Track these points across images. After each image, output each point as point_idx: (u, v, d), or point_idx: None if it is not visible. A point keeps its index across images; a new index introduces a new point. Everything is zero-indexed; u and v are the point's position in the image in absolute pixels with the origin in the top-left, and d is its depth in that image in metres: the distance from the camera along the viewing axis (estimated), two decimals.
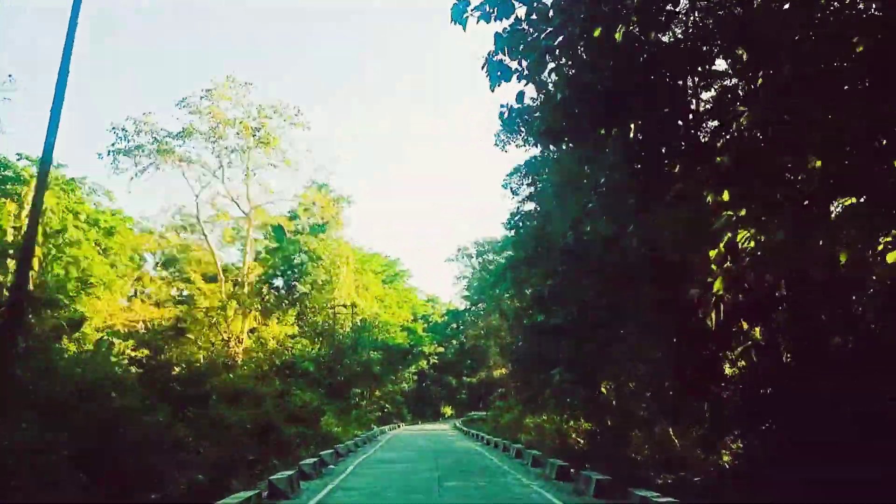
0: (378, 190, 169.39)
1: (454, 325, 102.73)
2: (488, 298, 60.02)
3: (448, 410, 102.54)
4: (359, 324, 57.32)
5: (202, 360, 29.49)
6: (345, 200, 54.89)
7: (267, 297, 42.48)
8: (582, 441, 22.48)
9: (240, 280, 40.29)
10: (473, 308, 78.47)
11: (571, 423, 26.92)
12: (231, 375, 26.43)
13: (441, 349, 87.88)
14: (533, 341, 25.06)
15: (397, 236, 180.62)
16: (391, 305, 68.47)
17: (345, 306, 51.02)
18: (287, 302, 52.74)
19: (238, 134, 39.27)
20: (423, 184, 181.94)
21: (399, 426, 64.47)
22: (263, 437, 18.77)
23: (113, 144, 37.84)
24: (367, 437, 35.39)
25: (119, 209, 39.00)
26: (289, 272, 51.03)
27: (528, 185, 26.87)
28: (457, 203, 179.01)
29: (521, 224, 27.61)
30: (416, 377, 78.85)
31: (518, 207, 27.61)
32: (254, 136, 39.55)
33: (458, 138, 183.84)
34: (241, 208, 43.09)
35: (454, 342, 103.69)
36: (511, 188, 27.68)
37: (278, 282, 53.56)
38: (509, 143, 24.81)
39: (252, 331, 39.08)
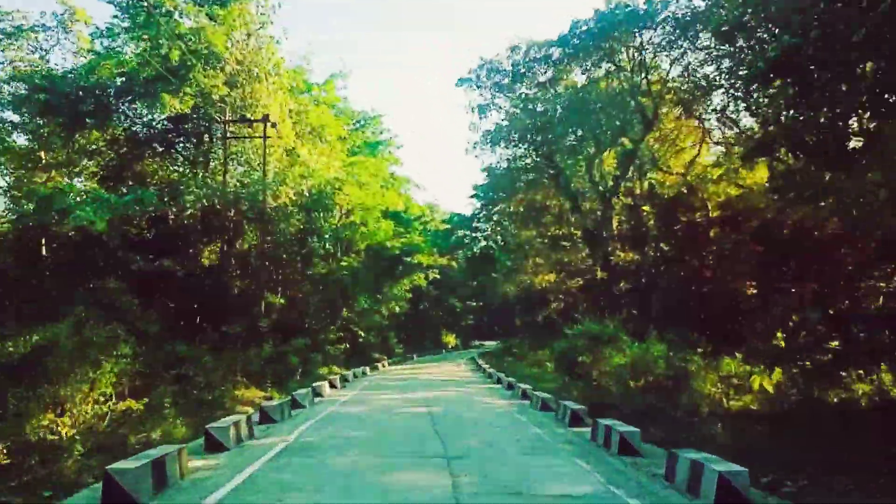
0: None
1: (459, 233, 79.56)
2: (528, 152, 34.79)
3: (451, 339, 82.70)
4: (306, 193, 32.73)
5: None
6: None
7: None
8: None
9: None
10: (490, 203, 53.54)
11: None
12: None
13: (443, 261, 64.90)
14: None
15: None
16: (369, 182, 43.50)
17: (249, 121, 25.88)
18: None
19: None
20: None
21: (381, 366, 41.09)
22: None
23: None
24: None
25: None
26: (157, 82, 25.81)
27: None
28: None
29: None
30: (409, 294, 55.50)
31: None
32: None
33: None
34: None
35: (460, 255, 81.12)
36: None
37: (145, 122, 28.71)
38: None
39: None
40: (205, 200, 28.27)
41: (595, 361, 18.83)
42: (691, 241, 30.98)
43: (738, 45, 16.32)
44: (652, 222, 30.97)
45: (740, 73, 16.95)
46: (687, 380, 14.07)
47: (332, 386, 24.18)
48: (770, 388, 12.80)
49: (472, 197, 66.00)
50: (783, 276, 17.02)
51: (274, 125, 25.28)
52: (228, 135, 26.04)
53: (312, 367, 26.61)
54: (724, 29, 14.91)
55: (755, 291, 20.57)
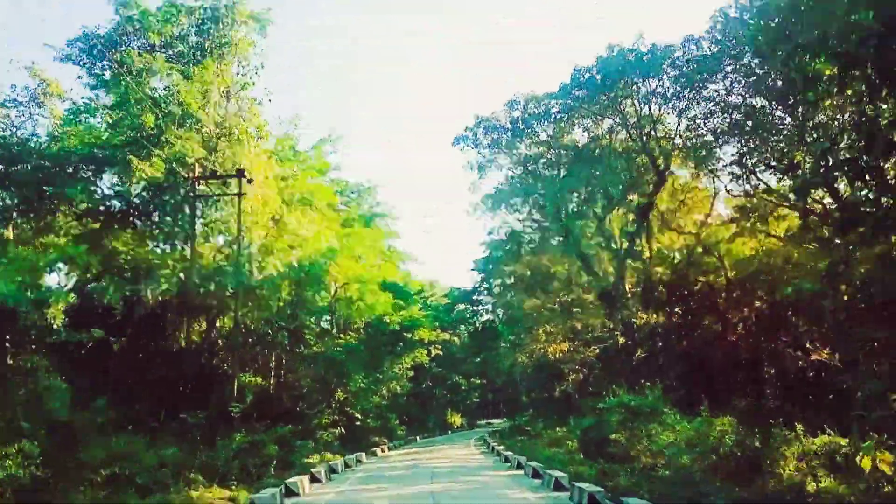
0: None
1: (461, 307, 76.97)
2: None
3: (457, 419, 78.75)
4: (296, 265, 30.23)
5: None
6: (255, 19, 28.18)
7: None
8: None
9: None
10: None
11: None
12: None
13: (445, 336, 61.56)
14: None
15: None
16: (365, 254, 41.13)
17: (222, 177, 23.43)
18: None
19: None
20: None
21: (380, 451, 37.07)
22: None
23: None
24: None
25: None
26: (126, 147, 23.75)
27: None
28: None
29: None
30: (410, 372, 52.07)
31: None
32: None
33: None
34: None
35: (462, 329, 78.21)
36: None
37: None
38: None
39: None
40: (181, 275, 25.81)
41: (632, 439, 15.67)
42: (709, 305, 28.32)
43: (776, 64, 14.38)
44: (662, 288, 28.55)
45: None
46: (766, 460, 11.08)
47: (315, 480, 20.24)
48: (887, 469, 9.83)
49: (472, 270, 64.27)
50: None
51: (250, 181, 23.05)
52: (202, 195, 23.72)
53: (300, 455, 23.11)
54: (759, 38, 12.97)
55: (823, 353, 17.58)
